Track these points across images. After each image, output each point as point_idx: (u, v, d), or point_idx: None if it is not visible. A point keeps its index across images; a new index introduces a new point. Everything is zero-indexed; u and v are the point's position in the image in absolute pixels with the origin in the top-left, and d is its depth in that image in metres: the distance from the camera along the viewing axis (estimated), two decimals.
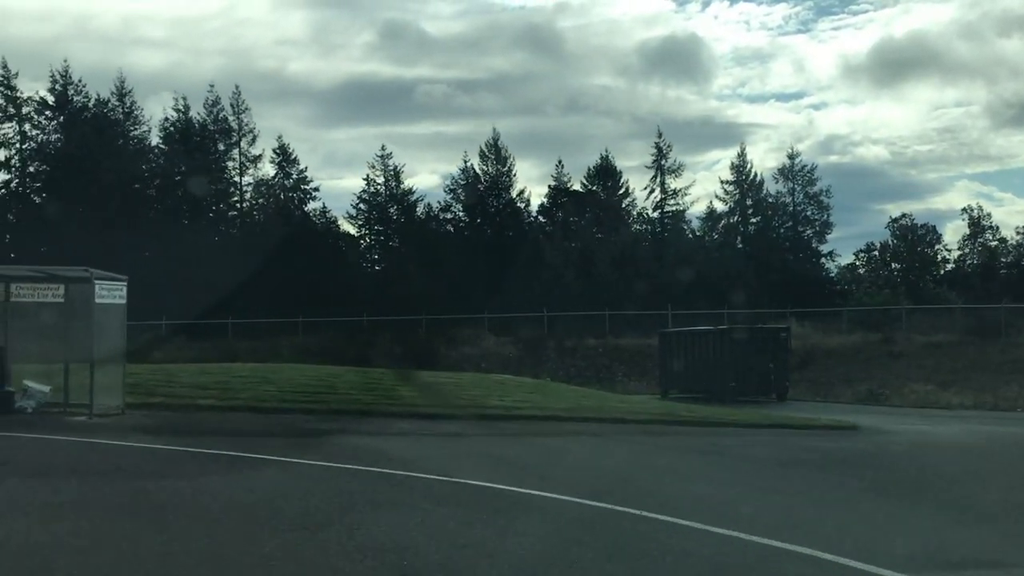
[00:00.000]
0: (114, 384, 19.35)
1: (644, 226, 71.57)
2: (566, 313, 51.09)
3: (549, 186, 71.37)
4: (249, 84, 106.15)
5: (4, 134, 62.76)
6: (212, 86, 67.05)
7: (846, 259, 71.22)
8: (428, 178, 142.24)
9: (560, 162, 71.63)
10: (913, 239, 67.18)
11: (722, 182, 71.11)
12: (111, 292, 18.94)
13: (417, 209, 72.04)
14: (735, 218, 70.68)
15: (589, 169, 71.22)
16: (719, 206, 70.85)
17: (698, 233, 71.47)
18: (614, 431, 18.52)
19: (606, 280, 61.13)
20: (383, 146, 72.43)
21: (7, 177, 63.71)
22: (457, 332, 51.14)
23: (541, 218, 71.56)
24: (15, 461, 13.42)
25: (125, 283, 19.41)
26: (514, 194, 71.25)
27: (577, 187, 71.24)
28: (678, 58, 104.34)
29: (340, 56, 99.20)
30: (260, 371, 25.89)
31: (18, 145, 63.33)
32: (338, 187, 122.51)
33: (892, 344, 41.91)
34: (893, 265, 68.26)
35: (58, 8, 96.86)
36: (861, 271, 71.33)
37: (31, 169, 64.13)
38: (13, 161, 63.38)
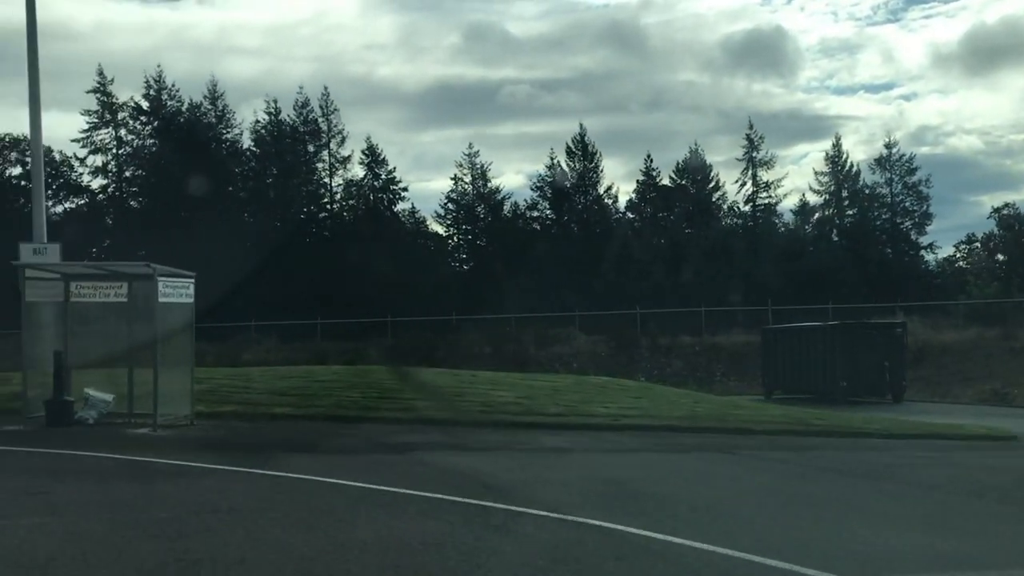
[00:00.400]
0: (181, 391, 16.94)
1: (735, 220, 67.85)
2: (659, 310, 47.90)
3: (637, 181, 68.09)
4: (339, 89, 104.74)
5: (101, 140, 61.84)
6: (301, 88, 65.35)
7: (943, 252, 66.73)
8: (514, 178, 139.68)
9: (649, 156, 68.32)
10: (1019, 229, 62.24)
11: (816, 173, 67.23)
12: (176, 290, 16.51)
13: (504, 208, 69.68)
14: (830, 210, 66.51)
15: (678, 163, 67.88)
16: (812, 198, 66.97)
17: (791, 226, 67.48)
18: (741, 445, 15.48)
19: (699, 275, 57.70)
20: (470, 144, 70.10)
21: (104, 182, 62.86)
22: (547, 331, 48.29)
23: (629, 214, 68.35)
24: (34, 488, 10.95)
25: (192, 280, 16.97)
26: (601, 190, 68.27)
27: (665, 182, 67.95)
28: (763, 51, 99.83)
29: (427, 59, 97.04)
30: (344, 374, 23.38)
31: (114, 150, 62.34)
32: (427, 189, 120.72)
33: (1013, 339, 37.80)
34: (999, 256, 63.39)
35: (156, 20, 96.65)
36: (961, 263, 66.67)
37: (127, 174, 63.11)
38: (110, 166, 62.42)
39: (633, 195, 68.23)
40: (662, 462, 13.95)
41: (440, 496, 10.50)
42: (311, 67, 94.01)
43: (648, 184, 67.58)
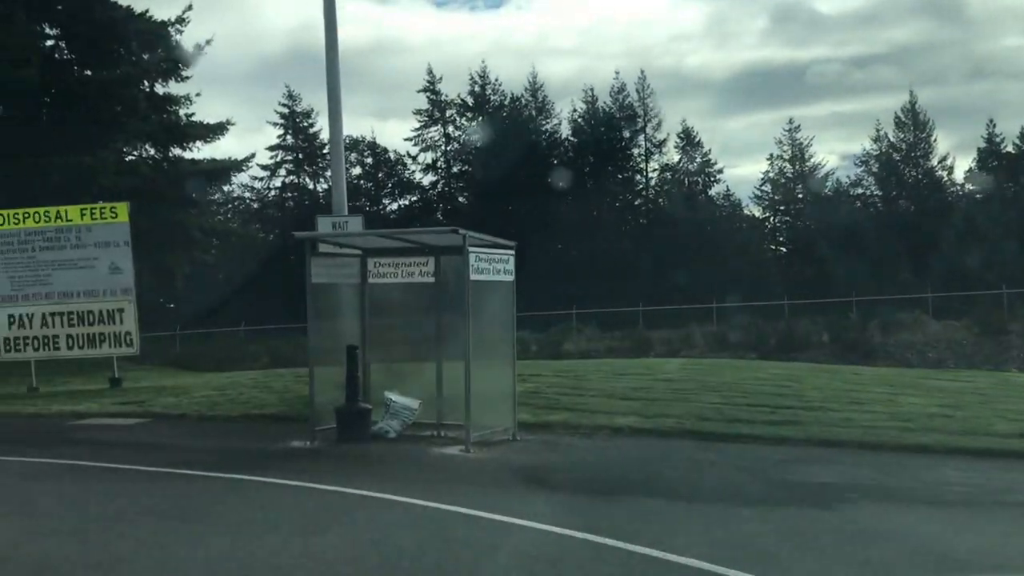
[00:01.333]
0: (501, 396, 12.06)
1: None
2: None
3: (978, 149, 57.47)
4: (649, 81, 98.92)
5: (431, 137, 60.07)
6: (617, 73, 60.43)
7: None
8: (826, 159, 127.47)
9: (991, 121, 57.42)
10: None
11: None
12: (491, 264, 11.59)
13: (825, 186, 61.54)
14: None
15: (1023, 128, 56.53)
16: None
17: None
18: None
19: None
20: (791, 119, 62.42)
21: (434, 178, 61.13)
22: (891, 316, 40.09)
23: (969, 186, 57.86)
24: None
25: (512, 252, 12.02)
26: (934, 162, 58.22)
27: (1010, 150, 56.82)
28: None
29: (734, 45, 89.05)
30: (691, 371, 17.81)
31: (442, 147, 60.40)
32: (735, 175, 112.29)
33: None
34: None
35: (480, 29, 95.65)
36: None
37: (454, 169, 61.01)
38: (439, 163, 60.55)
39: (974, 165, 57.80)
40: None
41: None
42: (622, 63, 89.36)
43: (991, 152, 56.81)
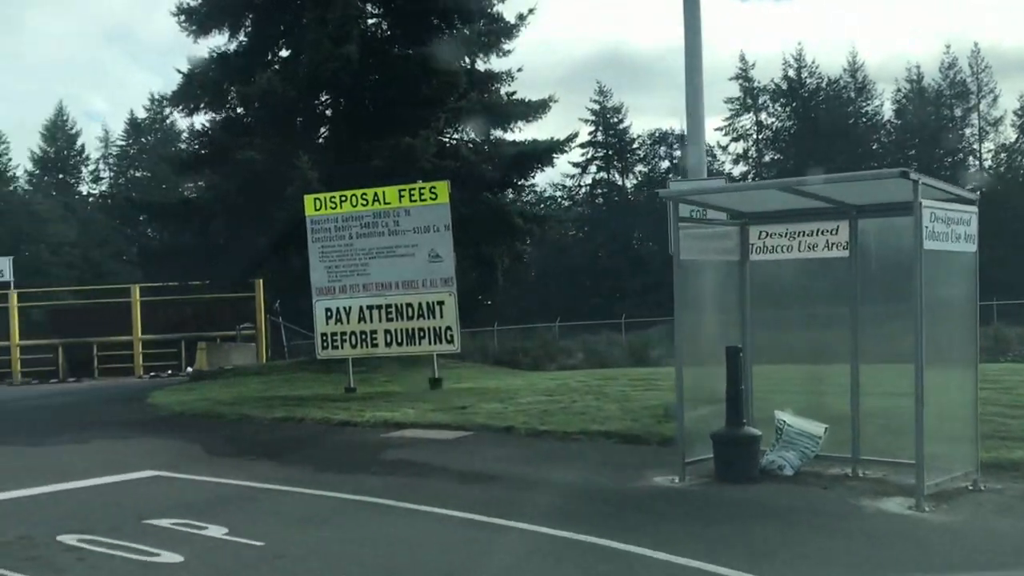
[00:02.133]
0: (954, 422, 7.61)
1: None
2: None
3: None
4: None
5: (742, 126, 54.72)
6: (948, 47, 51.91)
7: None
8: None
9: None
10: None
11: None
12: (949, 227, 7.20)
13: None
14: None
15: None
16: None
17: None
18: None
19: None
20: None
21: (744, 168, 55.74)
22: None
23: None
24: None
25: (975, 210, 7.54)
26: None
27: None
28: None
29: None
30: None
31: (754, 136, 54.83)
32: None
33: None
34: None
35: (793, 17, 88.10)
36: None
37: (766, 159, 55.21)
38: (750, 152, 55.08)
39: None
40: None
41: None
42: (938, 44, 78.16)
43: None
